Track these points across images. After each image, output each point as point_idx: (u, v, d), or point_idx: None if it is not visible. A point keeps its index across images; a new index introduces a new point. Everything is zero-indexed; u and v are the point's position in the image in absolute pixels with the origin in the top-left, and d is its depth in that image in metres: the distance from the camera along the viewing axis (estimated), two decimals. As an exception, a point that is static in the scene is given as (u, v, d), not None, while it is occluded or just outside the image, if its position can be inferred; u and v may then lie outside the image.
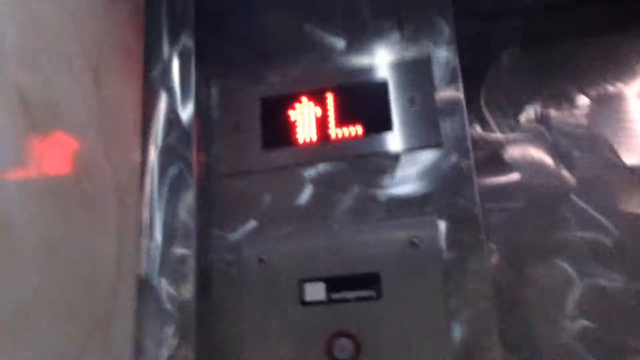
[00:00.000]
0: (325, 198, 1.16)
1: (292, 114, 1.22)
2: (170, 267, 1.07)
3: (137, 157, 1.12)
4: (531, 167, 1.34)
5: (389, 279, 1.07)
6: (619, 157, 1.31)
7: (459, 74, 1.16)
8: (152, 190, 1.12)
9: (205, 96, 1.27)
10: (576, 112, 1.36)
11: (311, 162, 1.18)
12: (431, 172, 1.13)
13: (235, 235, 1.18)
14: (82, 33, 0.97)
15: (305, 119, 1.21)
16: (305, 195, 1.18)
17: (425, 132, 1.15)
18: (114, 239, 0.98)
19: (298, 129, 1.21)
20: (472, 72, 1.35)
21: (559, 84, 1.37)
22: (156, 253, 1.07)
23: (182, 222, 1.11)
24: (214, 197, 1.21)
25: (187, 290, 1.06)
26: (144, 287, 1.05)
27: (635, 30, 1.36)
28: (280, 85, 1.25)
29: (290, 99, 1.23)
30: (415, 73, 1.18)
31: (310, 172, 1.18)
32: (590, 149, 1.32)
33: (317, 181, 1.17)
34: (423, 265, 1.07)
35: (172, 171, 1.15)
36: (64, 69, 0.91)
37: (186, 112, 1.19)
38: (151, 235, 1.08)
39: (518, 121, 1.37)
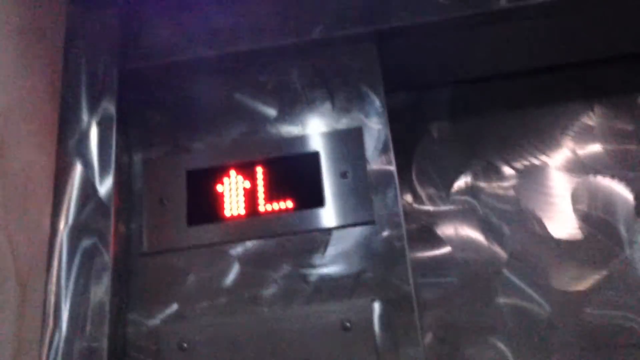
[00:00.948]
0: (253, 278, 1.09)
1: (220, 188, 1.16)
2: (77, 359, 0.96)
3: (45, 236, 1.02)
4: (463, 241, 1.33)
5: (320, 367, 1.00)
6: (546, 231, 1.31)
7: (391, 146, 1.15)
8: (59, 271, 1.01)
9: (127, 167, 1.19)
10: (504, 184, 1.37)
11: (239, 239, 1.12)
12: (363, 250, 1.09)
13: (154, 321, 1.09)
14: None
15: (233, 193, 1.15)
16: (232, 274, 1.10)
17: (358, 208, 1.11)
18: (12, 331, 0.87)
19: (225, 204, 1.14)
20: (403, 143, 1.34)
21: (487, 156, 1.39)
22: (60, 345, 0.96)
23: (93, 308, 1.01)
24: (132, 278, 1.12)
25: (97, 388, 0.95)
26: (46, 387, 0.93)
27: (559, 103, 1.40)
28: (207, 157, 1.19)
29: (217, 172, 1.17)
30: (348, 144, 1.16)
31: (237, 250, 1.12)
32: (519, 223, 1.33)
33: (245, 259, 1.11)
34: (355, 350, 1.01)
35: (85, 247, 1.05)
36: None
37: (104, 184, 1.10)
38: (56, 324, 0.97)
39: (449, 193, 1.37)
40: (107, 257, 1.05)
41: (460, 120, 1.42)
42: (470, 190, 1.36)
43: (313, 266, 1.09)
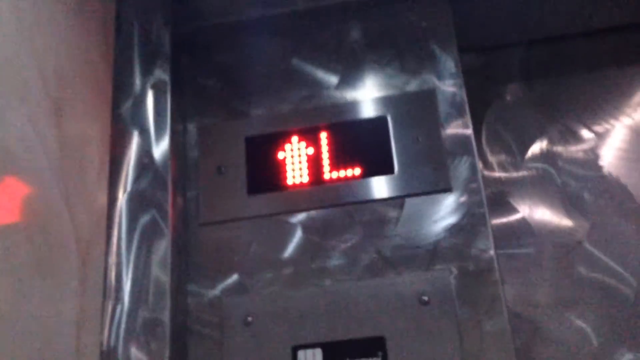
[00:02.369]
0: (318, 248, 1.03)
1: (281, 155, 1.09)
2: (141, 334, 0.91)
3: (103, 204, 0.97)
4: (539, 210, 1.24)
5: (396, 343, 0.94)
6: (631, 198, 1.21)
7: (467, 109, 1.06)
8: (119, 244, 0.96)
9: (183, 135, 1.14)
10: (583, 149, 1.27)
11: (302, 208, 1.05)
12: (440, 219, 1.01)
13: (214, 292, 1.03)
14: (40, 61, 0.83)
15: (295, 160, 1.08)
16: (296, 245, 1.04)
17: (432, 175, 1.03)
18: (74, 305, 0.82)
19: (288, 172, 1.08)
20: (472, 107, 1.25)
21: (565, 119, 1.29)
22: (123, 318, 0.91)
23: (154, 280, 0.96)
24: (192, 249, 1.06)
25: (161, 361, 0.90)
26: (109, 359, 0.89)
27: (640, 63, 1.29)
28: (267, 123, 1.12)
29: (278, 138, 1.10)
30: (419, 108, 1.08)
31: (301, 219, 1.05)
32: (601, 190, 1.23)
33: (310, 229, 1.04)
34: (435, 325, 0.94)
35: (144, 220, 1.00)
36: (17, 102, 0.77)
37: (160, 153, 1.05)
38: (118, 297, 0.92)
39: (523, 160, 1.27)
40: (166, 228, 1.00)
41: (534, 83, 1.33)
42: (546, 155, 1.27)
43: (384, 236, 1.02)
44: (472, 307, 0.95)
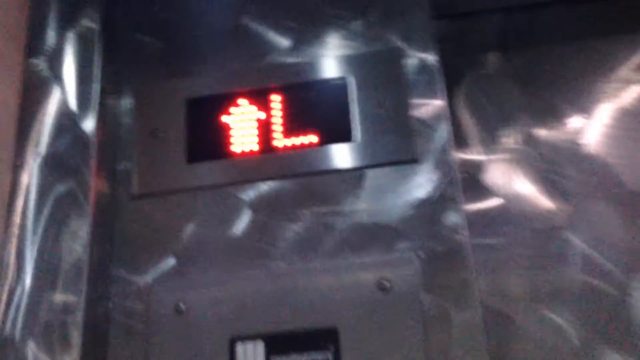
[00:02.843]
0: (267, 226, 0.89)
1: (227, 120, 0.95)
2: (46, 322, 0.76)
3: (7, 171, 0.82)
4: (516, 195, 1.12)
5: (350, 335, 0.81)
6: (619, 182, 1.10)
7: (439, 77, 0.94)
8: (24, 215, 0.81)
9: (113, 95, 0.99)
10: (566, 128, 1.15)
11: (250, 180, 0.92)
12: (404, 194, 0.88)
13: (145, 278, 0.89)
14: None
15: (243, 125, 0.95)
16: (242, 223, 0.90)
17: (396, 144, 0.90)
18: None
19: (234, 138, 0.94)
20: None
21: (545, 95, 1.17)
22: (23, 303, 0.76)
23: (67, 260, 0.81)
24: (118, 225, 0.92)
25: (70, 356, 0.76)
26: (4, 353, 0.74)
27: (629, 33, 1.18)
28: (211, 84, 0.99)
29: (224, 101, 0.97)
30: (383, 69, 0.95)
31: (248, 193, 0.92)
32: (585, 173, 1.11)
33: (258, 205, 0.91)
34: (396, 315, 0.81)
35: (59, 191, 0.85)
36: None
37: (85, 113, 0.90)
38: (18, 278, 0.77)
39: (498, 138, 1.15)
40: (86, 201, 0.85)
41: (512, 53, 1.20)
42: (525, 134, 1.15)
43: (342, 213, 0.88)
44: (439, 295, 0.82)
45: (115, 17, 1.02)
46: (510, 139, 1.15)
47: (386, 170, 0.90)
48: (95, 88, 0.93)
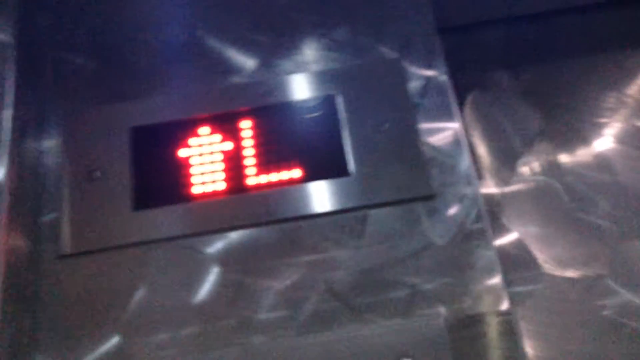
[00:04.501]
0: (242, 289, 0.71)
1: (184, 153, 0.77)
2: None
3: None
4: (540, 233, 0.96)
5: None
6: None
7: (451, 92, 0.79)
8: None
9: (34, 126, 0.80)
10: (593, 152, 1.02)
11: (217, 230, 0.74)
12: (420, 240, 0.71)
13: (79, 365, 0.68)
14: None
15: (205, 159, 0.77)
16: (208, 284, 0.72)
17: (405, 176, 0.74)
18: None
19: (194, 176, 0.76)
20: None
21: (564, 115, 1.04)
22: None
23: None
24: (42, 295, 0.72)
25: None
26: None
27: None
28: (163, 108, 0.81)
29: (180, 129, 0.79)
30: (380, 86, 0.79)
31: (215, 246, 0.73)
32: (621, 207, 0.97)
33: (228, 260, 0.73)
34: (422, 403, 0.62)
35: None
36: None
37: (-5, 152, 0.71)
38: None
39: (514, 169, 1.01)
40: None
41: (520, 69, 1.08)
42: (544, 163, 1.01)
43: (340, 267, 0.71)
44: (477, 370, 0.64)
45: (34, 30, 0.84)
46: (527, 168, 1.01)
47: (393, 210, 0.73)
48: (6, 117, 0.74)
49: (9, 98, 0.76)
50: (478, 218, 0.71)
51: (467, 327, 0.66)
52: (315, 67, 0.82)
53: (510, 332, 0.65)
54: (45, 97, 0.84)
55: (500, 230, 0.95)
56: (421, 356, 0.64)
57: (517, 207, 0.98)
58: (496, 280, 0.69)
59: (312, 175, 0.75)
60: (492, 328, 0.66)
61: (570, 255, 0.93)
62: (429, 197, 0.72)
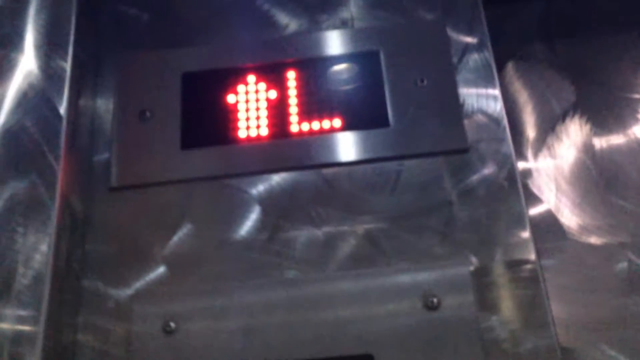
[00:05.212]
0: (280, 228, 0.75)
1: (232, 99, 0.82)
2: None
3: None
4: (570, 204, 0.99)
5: (390, 365, 0.66)
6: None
7: (490, 56, 0.82)
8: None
9: (91, 67, 0.85)
10: (625, 129, 1.03)
11: (260, 171, 0.78)
12: (452, 191, 0.75)
13: (126, 291, 0.74)
14: None
15: (252, 106, 0.81)
16: (249, 222, 0.76)
17: (442, 129, 0.77)
18: None
19: (240, 121, 0.81)
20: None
21: (600, 91, 1.06)
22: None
23: (26, 273, 0.66)
24: (92, 225, 0.77)
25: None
26: None
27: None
28: (214, 56, 0.86)
29: (229, 77, 0.84)
30: (424, 45, 0.82)
31: (257, 187, 0.78)
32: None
33: (269, 201, 0.77)
34: (447, 339, 0.67)
35: (15, 185, 0.70)
36: None
37: (53, 89, 0.76)
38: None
39: (544, 142, 1.03)
40: (52, 195, 0.70)
41: (557, 43, 1.09)
42: (576, 137, 1.03)
43: (375, 212, 0.75)
44: (501, 314, 0.68)
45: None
46: (560, 140, 1.03)
47: (429, 161, 0.77)
48: (68, 57, 0.79)
49: (69, 40, 0.80)
50: (510, 174, 0.75)
51: (493, 273, 0.70)
52: (360, 24, 0.85)
53: (534, 280, 0.69)
54: (102, 43, 0.88)
55: (531, 200, 0.98)
56: (446, 296, 0.68)
57: (549, 178, 1.00)
58: (524, 232, 0.72)
59: (352, 124, 0.79)
60: (517, 276, 0.70)
61: (595, 225, 0.96)
62: (464, 151, 0.76)
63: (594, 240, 0.95)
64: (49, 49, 0.79)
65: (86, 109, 0.83)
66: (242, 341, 0.68)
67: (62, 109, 0.76)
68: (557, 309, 0.87)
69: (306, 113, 0.80)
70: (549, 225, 0.96)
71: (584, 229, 0.96)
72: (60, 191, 0.72)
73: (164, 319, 0.70)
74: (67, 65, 0.79)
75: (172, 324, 0.69)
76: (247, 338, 0.69)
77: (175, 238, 0.76)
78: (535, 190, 0.99)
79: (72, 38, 0.81)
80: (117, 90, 0.84)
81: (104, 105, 0.85)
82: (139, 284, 0.75)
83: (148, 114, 0.82)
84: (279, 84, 0.82)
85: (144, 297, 0.73)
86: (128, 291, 0.74)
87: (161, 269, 0.75)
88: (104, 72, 0.88)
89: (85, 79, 0.84)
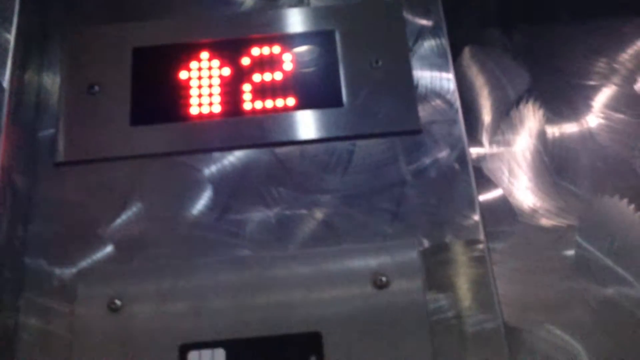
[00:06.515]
0: (231, 206, 0.75)
1: (184, 75, 0.81)
2: None
3: None
4: (522, 187, 1.01)
5: (338, 342, 0.67)
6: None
7: (445, 40, 0.83)
8: None
9: (38, 39, 0.83)
10: (577, 115, 1.06)
11: (211, 148, 0.77)
12: (404, 171, 0.76)
13: (72, 270, 0.72)
14: None
15: (204, 82, 0.81)
16: (200, 200, 0.75)
17: (394, 110, 0.78)
18: None
19: (192, 97, 0.80)
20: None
21: (553, 78, 1.08)
22: None
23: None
24: (37, 201, 0.75)
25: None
26: None
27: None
28: (167, 31, 0.84)
29: (182, 52, 0.82)
30: (380, 25, 0.83)
31: (209, 165, 0.77)
32: (603, 173, 1.01)
33: (220, 178, 0.76)
34: (395, 318, 0.68)
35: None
36: None
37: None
38: None
39: (498, 128, 1.05)
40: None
41: (514, 31, 1.11)
42: (530, 124, 1.05)
43: (326, 191, 0.75)
44: (448, 294, 0.70)
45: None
46: (514, 125, 1.05)
47: (382, 141, 0.78)
48: (12, 28, 0.77)
49: (14, 10, 0.78)
50: (461, 156, 0.76)
51: (442, 252, 0.71)
52: (316, 3, 0.85)
53: (482, 261, 0.70)
54: (50, 15, 0.86)
55: (484, 185, 1.00)
56: (395, 276, 0.69)
57: (501, 163, 1.02)
58: (474, 214, 0.73)
59: (306, 103, 0.79)
60: (465, 256, 0.71)
61: (545, 208, 0.98)
62: (416, 132, 0.77)
63: (544, 222, 0.97)
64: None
65: (32, 82, 0.81)
66: (190, 320, 0.68)
67: (5, 82, 0.74)
68: (507, 290, 0.89)
69: (260, 91, 0.80)
70: (501, 209, 0.99)
71: (535, 212, 0.98)
72: (1, 166, 0.70)
73: (109, 297, 0.69)
74: (11, 37, 0.77)
75: (118, 302, 0.68)
76: (196, 317, 0.68)
77: (123, 216, 0.75)
78: (489, 174, 1.01)
79: (16, 8, 0.78)
80: (65, 63, 0.83)
81: (51, 80, 0.83)
82: (84, 263, 0.74)
83: (97, 88, 0.80)
84: (233, 61, 0.82)
85: (89, 275, 0.71)
86: (73, 270, 0.73)
87: (108, 248, 0.74)
88: (51, 46, 0.86)
89: (31, 52, 0.82)
